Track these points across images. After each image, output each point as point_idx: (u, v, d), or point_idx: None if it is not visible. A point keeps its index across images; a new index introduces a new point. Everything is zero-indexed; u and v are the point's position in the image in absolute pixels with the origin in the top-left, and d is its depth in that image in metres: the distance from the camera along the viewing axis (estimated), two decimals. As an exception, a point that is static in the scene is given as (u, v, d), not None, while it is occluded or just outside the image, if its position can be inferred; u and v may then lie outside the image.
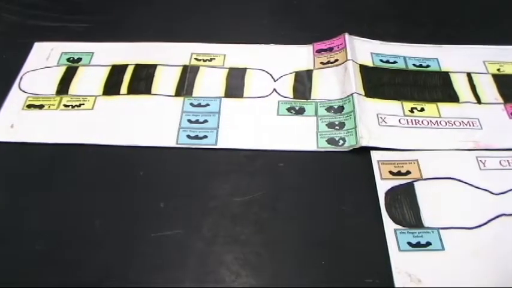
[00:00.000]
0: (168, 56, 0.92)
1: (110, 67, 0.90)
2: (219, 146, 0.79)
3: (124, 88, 0.87)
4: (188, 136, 0.80)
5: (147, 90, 0.86)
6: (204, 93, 0.86)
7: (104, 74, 0.89)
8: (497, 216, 0.71)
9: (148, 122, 0.82)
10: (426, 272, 0.65)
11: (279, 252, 0.68)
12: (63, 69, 0.90)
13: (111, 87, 0.87)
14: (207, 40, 0.94)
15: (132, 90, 0.86)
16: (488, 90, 0.88)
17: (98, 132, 0.81)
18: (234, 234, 0.69)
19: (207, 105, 0.84)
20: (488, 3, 1.05)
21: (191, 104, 0.84)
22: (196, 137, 0.80)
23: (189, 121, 0.82)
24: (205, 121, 0.82)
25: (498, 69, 0.91)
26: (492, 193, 0.74)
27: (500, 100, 0.86)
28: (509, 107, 0.85)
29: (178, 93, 0.86)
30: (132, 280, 0.65)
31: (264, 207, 0.72)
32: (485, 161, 0.77)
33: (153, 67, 0.90)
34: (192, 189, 0.74)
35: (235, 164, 0.77)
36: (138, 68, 0.90)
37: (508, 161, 0.77)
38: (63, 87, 0.87)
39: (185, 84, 0.87)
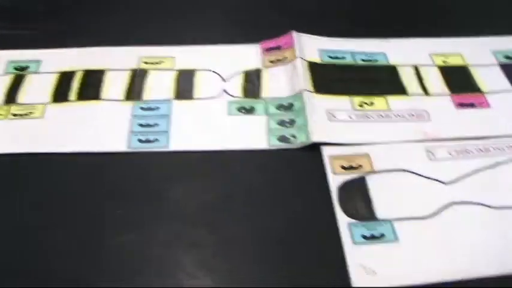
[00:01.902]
0: (116, 60, 0.91)
1: (58, 74, 0.89)
2: (170, 148, 0.78)
3: (73, 95, 0.85)
4: (139, 140, 0.79)
5: (96, 96, 0.85)
6: (153, 97, 0.85)
7: (52, 81, 0.88)
8: (448, 205, 0.72)
9: (99, 128, 0.81)
10: (381, 264, 0.66)
11: (235, 252, 0.67)
12: (10, 77, 0.88)
13: (60, 94, 0.86)
14: (155, 43, 0.94)
15: (81, 97, 0.85)
16: (435, 82, 0.89)
17: (49, 140, 0.79)
18: (190, 237, 0.69)
19: (157, 108, 0.84)
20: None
21: (141, 108, 0.84)
22: (148, 141, 0.79)
23: (140, 125, 0.81)
24: (156, 124, 0.81)
25: (444, 61, 0.93)
26: (442, 182, 0.75)
27: (447, 91, 0.88)
28: (455, 98, 0.87)
29: (128, 98, 0.85)
30: (90, 286, 0.64)
31: (217, 208, 0.72)
32: (434, 151, 0.78)
33: (101, 72, 0.89)
34: (146, 194, 0.73)
35: (187, 166, 0.76)
36: (87, 74, 0.89)
37: (456, 150, 0.79)
38: (11, 96, 0.85)
39: (135, 88, 0.87)
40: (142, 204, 0.72)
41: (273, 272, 0.66)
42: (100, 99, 0.85)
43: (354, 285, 0.63)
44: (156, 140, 0.79)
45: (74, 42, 0.94)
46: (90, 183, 0.74)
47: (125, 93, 0.86)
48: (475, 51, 0.95)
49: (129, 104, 0.84)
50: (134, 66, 0.90)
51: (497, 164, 0.77)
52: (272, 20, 1.00)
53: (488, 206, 0.72)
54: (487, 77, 0.91)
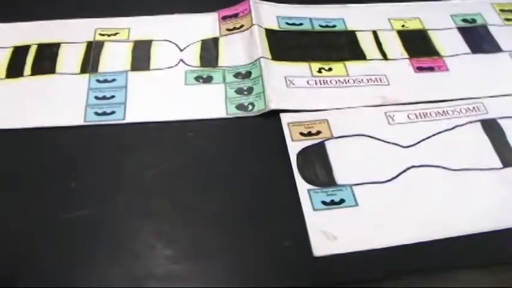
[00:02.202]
0: (71, 33, 0.89)
1: (11, 49, 0.87)
2: (127, 120, 0.77)
3: (28, 69, 0.84)
4: (96, 113, 0.78)
5: (51, 70, 0.84)
6: (110, 69, 0.84)
7: (5, 56, 0.86)
8: (408, 169, 0.72)
9: (55, 102, 0.80)
10: (342, 229, 0.66)
11: (194, 222, 0.67)
12: (-39, 53, 0.86)
13: (14, 69, 0.84)
14: (111, 15, 0.92)
15: (36, 71, 0.84)
16: (394, 46, 0.89)
17: (4, 115, 0.78)
18: (148, 207, 0.68)
19: (114, 80, 0.82)
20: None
21: (97, 81, 0.82)
22: (104, 113, 0.78)
23: (96, 98, 0.80)
24: (113, 96, 0.80)
25: (402, 26, 0.93)
26: (401, 146, 0.75)
27: (406, 55, 0.88)
28: (414, 62, 0.87)
29: (83, 71, 0.84)
30: (48, 264, 0.63)
31: (175, 178, 0.71)
32: (393, 115, 0.78)
33: (56, 46, 0.87)
34: (103, 166, 0.72)
35: (144, 137, 0.76)
36: (41, 47, 0.87)
37: (415, 114, 0.79)
38: (-37, 72, 0.84)
39: (90, 60, 0.85)
40: (99, 177, 0.71)
41: (234, 241, 0.65)
42: (55, 73, 0.83)
43: (315, 252, 0.63)
44: (113, 112, 0.78)
45: (27, 15, 0.92)
46: (46, 158, 0.73)
47: (81, 66, 0.84)
48: (433, 15, 0.95)
49: (85, 77, 0.83)
50: (90, 38, 0.89)
51: (456, 126, 0.78)
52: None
53: (447, 169, 0.73)
54: (446, 40, 0.91)
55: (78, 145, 0.75)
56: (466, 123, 0.78)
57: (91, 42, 0.88)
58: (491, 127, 0.78)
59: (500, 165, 0.74)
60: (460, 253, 0.65)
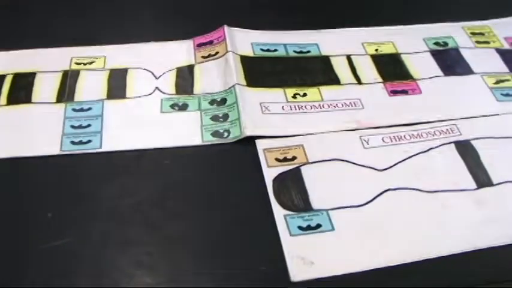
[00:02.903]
0: (47, 62, 0.89)
1: (-14, 79, 0.87)
2: (103, 149, 0.77)
3: (3, 99, 0.83)
4: (72, 142, 0.78)
5: (27, 99, 0.83)
6: (85, 97, 0.84)
7: (-19, 86, 0.86)
8: (383, 192, 0.73)
9: (31, 132, 0.79)
10: (318, 254, 0.66)
11: (172, 250, 0.67)
12: None
13: (-11, 99, 0.84)
14: (86, 43, 0.92)
15: (11, 101, 0.83)
16: (368, 70, 0.90)
17: (-20, 146, 0.78)
18: (126, 236, 0.68)
19: (90, 109, 0.82)
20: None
21: (73, 109, 0.82)
22: (81, 142, 0.78)
23: (72, 127, 0.80)
24: (89, 125, 0.80)
25: (376, 50, 0.94)
26: (377, 170, 0.75)
27: (380, 79, 0.89)
28: (388, 85, 0.88)
29: (59, 100, 0.84)
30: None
31: (153, 206, 0.71)
32: (368, 139, 0.79)
33: (32, 75, 0.87)
34: (80, 195, 0.72)
35: (121, 166, 0.76)
36: (17, 77, 0.87)
37: (390, 137, 0.80)
38: None
39: (66, 89, 0.85)
40: (76, 206, 0.71)
41: (212, 268, 0.65)
42: (31, 102, 0.83)
43: (292, 277, 0.64)
44: (89, 141, 0.78)
45: (2, 44, 0.92)
46: (22, 188, 0.73)
47: (57, 95, 0.84)
48: (406, 39, 0.96)
49: (61, 106, 0.83)
50: (65, 67, 0.89)
51: (430, 149, 0.79)
52: (205, 15, 0.99)
53: (422, 191, 0.73)
54: (419, 64, 0.92)
55: (55, 174, 0.75)
56: (440, 145, 0.79)
57: (67, 71, 0.88)
58: (465, 148, 0.79)
59: (474, 186, 0.74)
60: (437, 275, 0.65)
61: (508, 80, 0.90)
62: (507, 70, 0.92)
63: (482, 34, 0.99)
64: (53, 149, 0.77)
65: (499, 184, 0.75)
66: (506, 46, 0.97)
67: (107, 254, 0.66)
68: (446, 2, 1.07)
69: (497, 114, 0.85)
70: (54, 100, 0.84)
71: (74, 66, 0.89)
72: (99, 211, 0.70)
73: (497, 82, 0.89)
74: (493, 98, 0.87)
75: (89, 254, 0.66)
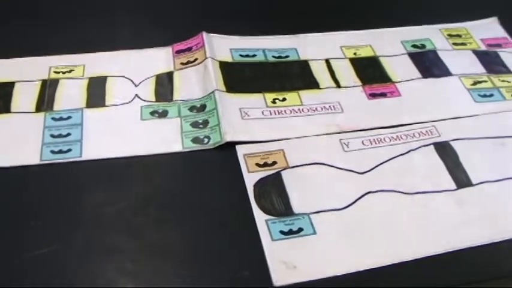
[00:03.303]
0: (25, 72, 0.89)
1: (-35, 88, 0.86)
2: (84, 158, 0.77)
3: (-18, 110, 0.83)
4: (52, 151, 0.77)
5: (6, 109, 0.83)
6: (65, 106, 0.84)
7: (-41, 97, 0.85)
8: (364, 195, 0.73)
9: (10, 141, 0.79)
10: (301, 258, 0.66)
11: (155, 256, 0.67)
12: None
13: (-32, 109, 0.83)
14: (65, 52, 0.92)
15: (-10, 111, 0.83)
16: (347, 74, 0.91)
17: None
18: (108, 244, 0.68)
19: (69, 117, 0.82)
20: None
21: (53, 119, 0.82)
22: (61, 151, 0.77)
23: (52, 136, 0.79)
24: (69, 134, 0.80)
25: (354, 53, 0.95)
26: (357, 173, 0.76)
27: (359, 82, 0.89)
28: (367, 89, 0.88)
29: (38, 109, 0.83)
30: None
31: (135, 213, 0.71)
32: (348, 142, 0.80)
33: (10, 85, 0.87)
34: (62, 204, 0.72)
35: (102, 174, 0.75)
36: (-5, 87, 0.87)
37: (369, 140, 0.80)
38: None
39: (45, 99, 0.85)
40: (58, 215, 0.71)
41: (195, 275, 0.65)
42: (10, 112, 0.83)
43: (275, 282, 0.64)
44: (69, 150, 0.78)
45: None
46: (3, 197, 0.72)
47: (36, 105, 0.84)
48: (384, 42, 0.97)
49: (41, 115, 0.82)
50: (44, 76, 0.88)
51: (410, 150, 0.79)
52: (184, 22, 0.99)
53: (403, 193, 0.74)
54: (397, 66, 0.93)
55: (36, 184, 0.74)
56: (420, 147, 0.80)
57: (45, 81, 0.88)
58: (444, 150, 0.80)
59: (454, 186, 0.75)
60: (419, 275, 0.66)
61: (485, 81, 0.91)
62: (484, 71, 0.93)
63: (459, 36, 1.00)
64: (33, 159, 0.77)
65: (478, 184, 0.76)
66: (482, 47, 0.98)
67: (90, 262, 0.66)
68: (423, 5, 1.08)
69: (475, 115, 0.85)
70: (34, 109, 0.83)
71: (53, 75, 0.88)
72: (81, 219, 0.70)
73: (475, 83, 0.90)
74: (471, 99, 0.88)
75: (72, 262, 0.66)
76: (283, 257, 0.66)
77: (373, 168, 0.76)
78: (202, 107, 0.83)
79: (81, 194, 0.73)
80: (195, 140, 0.79)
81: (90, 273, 0.65)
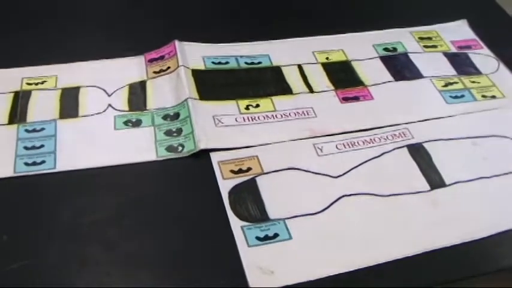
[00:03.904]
0: (-3, 84, 0.88)
1: None
2: (58, 169, 0.76)
3: (-47, 123, 0.82)
4: (25, 163, 0.77)
5: (-22, 122, 0.83)
6: (38, 118, 0.83)
7: None
8: (339, 198, 0.74)
9: (-17, 155, 0.78)
10: (277, 263, 0.66)
11: (131, 268, 0.66)
12: None
13: None
14: (37, 63, 0.92)
15: (-38, 124, 0.82)
16: (319, 79, 0.91)
17: None
18: (84, 256, 0.67)
19: (42, 129, 0.81)
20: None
21: (26, 130, 0.81)
22: (34, 163, 0.77)
23: (25, 148, 0.79)
24: (42, 146, 0.79)
25: (327, 58, 0.95)
26: (332, 177, 0.76)
27: (331, 87, 0.90)
28: (339, 93, 0.89)
29: (11, 121, 0.82)
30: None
31: (110, 224, 0.70)
32: (322, 147, 0.80)
33: (-17, 98, 0.86)
34: (36, 217, 0.71)
35: (76, 185, 0.75)
36: (-33, 100, 0.86)
37: (343, 144, 0.81)
38: None
39: (18, 110, 0.84)
40: (32, 228, 0.70)
41: (172, 285, 0.65)
42: (-18, 125, 0.82)
43: (251, 288, 0.64)
44: (43, 161, 0.77)
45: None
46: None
47: (8, 117, 0.83)
48: (356, 46, 0.98)
49: (13, 127, 0.82)
50: (17, 88, 0.88)
51: (383, 153, 0.80)
52: (156, 30, 0.99)
53: (377, 195, 0.74)
54: (369, 70, 0.94)
55: (9, 197, 0.74)
56: (393, 149, 0.80)
57: (18, 92, 0.87)
58: (417, 151, 0.80)
59: (428, 187, 0.76)
60: (395, 277, 0.66)
61: (456, 83, 0.92)
62: (455, 73, 0.94)
63: (430, 39, 1.01)
64: (6, 171, 0.76)
65: (452, 184, 0.77)
66: (453, 49, 0.99)
67: (65, 276, 0.66)
68: (394, 9, 1.09)
69: (447, 116, 0.87)
70: (6, 121, 0.82)
71: (25, 87, 0.88)
72: (56, 232, 0.70)
73: (446, 85, 0.92)
74: (443, 100, 0.89)
75: (47, 276, 0.65)
76: (259, 262, 0.66)
77: (347, 172, 0.77)
78: (176, 115, 0.83)
79: (55, 206, 0.72)
80: (169, 149, 0.79)
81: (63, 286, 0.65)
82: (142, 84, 0.89)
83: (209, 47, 0.95)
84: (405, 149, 0.81)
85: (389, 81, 0.92)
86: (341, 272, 0.66)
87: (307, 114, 0.85)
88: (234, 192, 0.73)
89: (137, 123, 0.83)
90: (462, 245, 0.70)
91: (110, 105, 0.85)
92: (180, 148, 0.79)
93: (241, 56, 0.94)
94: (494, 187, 0.77)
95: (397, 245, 0.69)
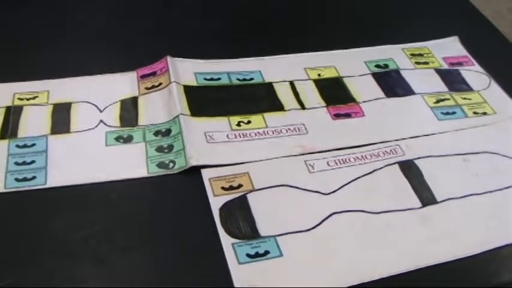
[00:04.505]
0: (-11, 99, 0.88)
1: None
2: (49, 185, 0.76)
3: None
4: (16, 179, 0.76)
5: (-30, 137, 0.82)
6: (29, 133, 0.83)
7: None
8: (330, 215, 0.73)
9: (-26, 170, 0.78)
10: (268, 280, 0.66)
11: (121, 285, 0.66)
12: None
13: None
14: (29, 78, 0.92)
15: (-47, 140, 0.82)
16: (311, 95, 0.91)
17: None
18: (73, 272, 0.67)
19: (34, 145, 0.81)
20: (300, 13, 1.11)
21: (17, 146, 0.81)
22: (25, 179, 0.77)
23: (16, 163, 0.78)
24: (33, 161, 0.79)
25: (319, 75, 0.95)
26: (323, 194, 0.76)
27: (323, 103, 0.90)
28: (331, 109, 0.89)
29: (3, 136, 0.82)
30: None
31: (101, 241, 0.70)
32: (313, 164, 0.80)
33: (-26, 113, 0.86)
34: (25, 233, 0.71)
35: (67, 201, 0.75)
36: (-42, 115, 0.86)
37: (335, 161, 0.81)
38: None
39: (9, 126, 0.84)
40: (21, 244, 0.70)
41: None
42: (-26, 140, 0.82)
43: (242, 306, 0.64)
44: (34, 177, 0.77)
45: None
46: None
47: (0, 132, 0.83)
48: (347, 63, 0.98)
49: (5, 143, 0.81)
50: (8, 103, 0.87)
51: (374, 170, 0.80)
52: (148, 46, 0.99)
53: (368, 212, 0.74)
54: (361, 86, 0.94)
55: (-1, 213, 0.74)
56: (385, 166, 0.80)
57: (9, 107, 0.87)
58: (408, 168, 0.80)
59: (419, 204, 0.76)
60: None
61: (447, 99, 0.92)
62: (446, 89, 0.95)
63: (421, 55, 1.01)
64: (-3, 187, 0.76)
65: (443, 201, 0.77)
66: (445, 66, 0.99)
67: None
68: (386, 25, 1.09)
69: (439, 133, 0.87)
70: (-2, 137, 0.83)
71: (17, 102, 0.88)
72: (45, 248, 0.69)
73: (438, 101, 0.92)
74: (434, 117, 0.89)
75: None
76: (250, 280, 0.66)
77: (338, 189, 0.77)
78: (167, 132, 0.83)
79: (45, 222, 0.72)
80: (160, 165, 0.79)
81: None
82: (134, 100, 0.89)
83: (201, 63, 0.95)
84: (396, 165, 0.81)
85: (381, 98, 0.92)
86: (331, 289, 0.66)
87: (299, 130, 0.85)
88: (224, 209, 0.73)
89: (128, 139, 0.82)
90: (454, 261, 0.70)
91: (101, 121, 0.85)
92: (171, 164, 0.79)
93: (233, 72, 0.94)
94: (485, 204, 0.77)
95: (389, 262, 0.69)
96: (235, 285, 0.65)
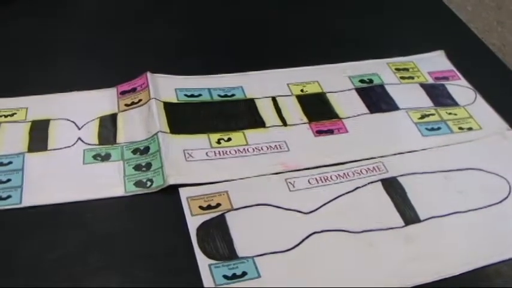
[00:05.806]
0: (-35, 116, 0.87)
1: None
2: (24, 204, 0.74)
3: None
4: (-10, 198, 0.75)
5: None
6: (5, 151, 0.81)
7: None
8: (310, 235, 0.72)
9: None
10: (245, 303, 0.65)
11: (95, 307, 0.65)
12: None
13: None
14: (7, 95, 0.90)
15: None
16: (293, 111, 0.90)
17: None
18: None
19: (10, 163, 0.80)
20: (283, 28, 1.10)
21: None
22: (0, 198, 0.75)
23: None
24: (9, 180, 0.77)
25: (301, 90, 0.94)
26: (303, 213, 0.75)
27: (305, 120, 0.89)
28: (313, 126, 0.88)
29: (-21, 155, 0.81)
30: None
31: (76, 261, 0.69)
32: (294, 182, 0.79)
33: (-50, 130, 0.85)
34: (-1, 254, 0.70)
35: (42, 221, 0.73)
36: None
37: (316, 178, 0.79)
38: None
39: (-15, 144, 0.83)
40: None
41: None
42: (-52, 158, 0.81)
43: (219, 329, 0.62)
44: (9, 196, 0.75)
45: None
46: None
47: (-24, 150, 0.82)
48: (331, 78, 0.97)
49: (-20, 161, 0.80)
50: (-15, 120, 0.86)
51: (357, 188, 0.79)
52: (128, 62, 0.98)
53: (349, 231, 0.73)
54: (344, 102, 0.93)
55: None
56: (367, 184, 0.79)
57: (-14, 125, 0.86)
58: (391, 186, 0.79)
59: (402, 223, 0.75)
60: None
61: (432, 114, 0.91)
62: (431, 104, 0.93)
63: (406, 70, 1.00)
64: (-29, 207, 0.74)
65: (426, 220, 0.75)
66: (430, 80, 0.98)
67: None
68: (371, 40, 1.08)
69: (423, 149, 0.85)
70: (-27, 155, 0.81)
71: (-6, 119, 0.87)
72: (19, 269, 0.68)
73: (422, 117, 0.91)
74: (418, 133, 0.88)
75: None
76: (226, 303, 0.65)
77: (319, 208, 0.76)
78: (146, 150, 0.82)
79: (19, 242, 0.71)
80: (138, 184, 0.77)
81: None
82: (113, 117, 0.87)
83: (182, 79, 0.94)
84: (379, 183, 0.79)
85: (364, 114, 0.91)
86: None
87: (280, 148, 0.83)
88: (202, 229, 0.72)
89: (106, 158, 0.81)
90: (438, 281, 0.68)
91: (79, 138, 0.84)
92: (148, 183, 0.77)
93: (214, 89, 0.93)
94: (469, 222, 0.76)
95: (370, 283, 0.68)
96: (212, 308, 0.64)
